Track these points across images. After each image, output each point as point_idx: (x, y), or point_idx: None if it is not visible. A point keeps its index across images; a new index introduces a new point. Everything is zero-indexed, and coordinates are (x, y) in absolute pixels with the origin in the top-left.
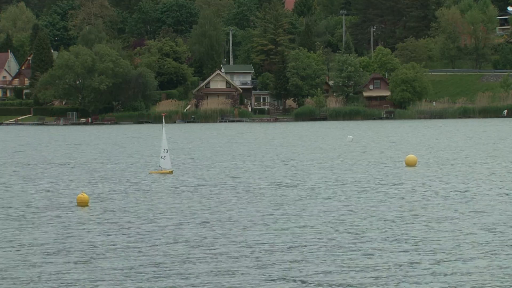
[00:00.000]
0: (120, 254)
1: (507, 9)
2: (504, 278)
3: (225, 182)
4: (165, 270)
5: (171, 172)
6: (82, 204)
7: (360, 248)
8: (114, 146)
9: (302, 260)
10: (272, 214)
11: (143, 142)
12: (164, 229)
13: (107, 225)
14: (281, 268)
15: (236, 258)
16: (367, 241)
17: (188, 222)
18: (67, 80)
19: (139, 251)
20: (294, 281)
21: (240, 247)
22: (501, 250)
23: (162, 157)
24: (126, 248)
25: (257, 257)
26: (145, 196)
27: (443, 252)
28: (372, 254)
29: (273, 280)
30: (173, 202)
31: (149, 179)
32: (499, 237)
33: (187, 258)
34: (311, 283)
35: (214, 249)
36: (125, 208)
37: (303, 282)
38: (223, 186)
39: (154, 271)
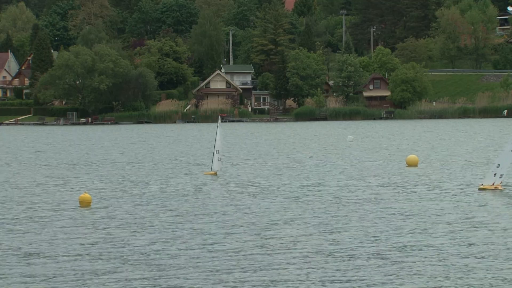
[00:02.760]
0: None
1: (507, 9)
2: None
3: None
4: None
5: (215, 174)
6: (85, 204)
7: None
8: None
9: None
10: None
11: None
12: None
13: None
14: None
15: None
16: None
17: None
18: (67, 80)
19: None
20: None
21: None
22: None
23: (218, 159)
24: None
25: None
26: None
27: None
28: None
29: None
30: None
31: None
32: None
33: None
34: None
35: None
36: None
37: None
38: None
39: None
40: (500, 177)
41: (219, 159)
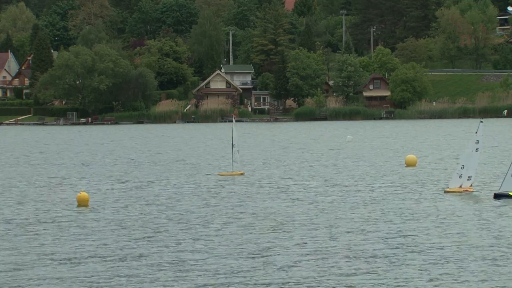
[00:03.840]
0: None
1: (507, 9)
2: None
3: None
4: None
5: (242, 174)
6: (82, 203)
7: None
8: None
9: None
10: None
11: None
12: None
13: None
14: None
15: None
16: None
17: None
18: (67, 80)
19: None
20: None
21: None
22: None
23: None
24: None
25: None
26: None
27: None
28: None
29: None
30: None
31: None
32: None
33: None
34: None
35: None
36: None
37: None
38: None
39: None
40: (468, 179)
41: (239, 159)
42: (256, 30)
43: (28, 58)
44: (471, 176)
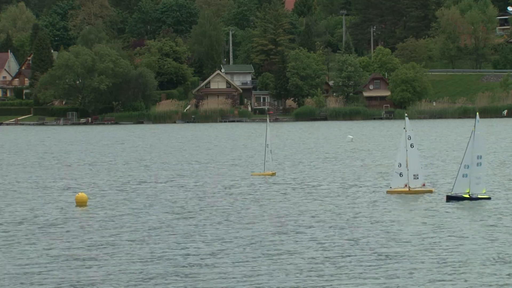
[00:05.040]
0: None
1: (507, 9)
2: None
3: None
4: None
5: (274, 174)
6: (81, 204)
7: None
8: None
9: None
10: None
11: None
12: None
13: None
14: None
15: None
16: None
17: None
18: (67, 80)
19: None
20: None
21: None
22: None
23: (272, 159)
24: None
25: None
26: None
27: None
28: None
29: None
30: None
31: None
32: None
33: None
34: None
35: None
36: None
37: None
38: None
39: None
40: (415, 178)
41: (272, 159)
42: (256, 30)
43: (28, 58)
44: (417, 175)
